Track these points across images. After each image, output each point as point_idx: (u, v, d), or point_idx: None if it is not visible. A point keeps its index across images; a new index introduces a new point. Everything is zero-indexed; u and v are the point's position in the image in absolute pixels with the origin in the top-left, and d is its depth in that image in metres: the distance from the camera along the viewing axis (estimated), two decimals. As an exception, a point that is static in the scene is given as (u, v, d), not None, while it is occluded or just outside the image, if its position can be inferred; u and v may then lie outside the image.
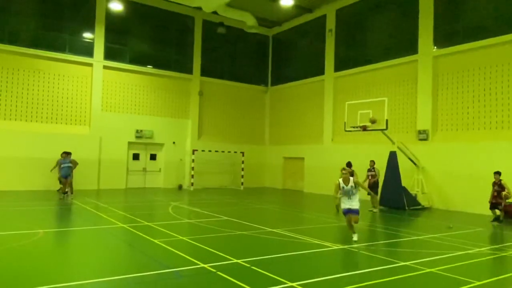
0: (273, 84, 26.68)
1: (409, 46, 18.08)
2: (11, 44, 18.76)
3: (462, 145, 15.71)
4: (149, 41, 22.77)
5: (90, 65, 20.63)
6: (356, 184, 9.04)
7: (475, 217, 13.79)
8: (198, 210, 13.72)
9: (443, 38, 17.01)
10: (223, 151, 23.82)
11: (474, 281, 6.10)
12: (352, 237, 8.93)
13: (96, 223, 10.77)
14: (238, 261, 6.89)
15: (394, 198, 15.29)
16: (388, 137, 15.45)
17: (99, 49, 20.80)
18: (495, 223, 12.32)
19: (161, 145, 22.81)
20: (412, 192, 16.08)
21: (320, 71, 22.72)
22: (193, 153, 22.60)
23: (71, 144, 18.62)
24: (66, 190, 15.80)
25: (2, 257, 7.05)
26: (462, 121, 16.22)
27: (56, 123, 19.75)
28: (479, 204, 13.92)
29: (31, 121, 19.16)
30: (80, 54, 20.38)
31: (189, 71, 23.74)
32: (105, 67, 20.95)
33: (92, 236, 9.17)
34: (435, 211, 15.53)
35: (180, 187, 22.54)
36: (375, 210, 14.41)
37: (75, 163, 16.35)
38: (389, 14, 19.65)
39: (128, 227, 10.00)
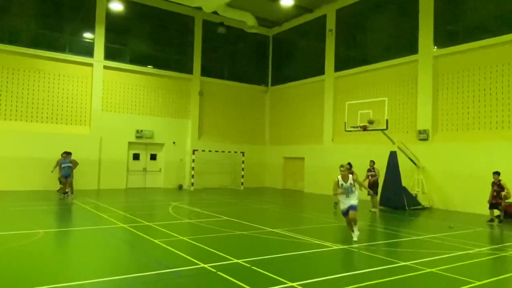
0: (273, 84, 26.68)
1: (409, 46, 18.08)
2: (11, 44, 18.77)
3: (462, 145, 15.71)
4: (149, 41, 22.77)
5: (90, 65, 20.63)
6: (355, 182, 9.04)
7: (475, 217, 13.79)
8: (198, 210, 13.72)
9: (443, 38, 17.02)
10: (223, 151, 23.83)
11: (474, 281, 6.10)
12: (352, 237, 8.93)
13: (96, 223, 10.77)
14: (238, 261, 6.89)
15: (394, 198, 15.29)
16: (388, 137, 15.46)
17: (99, 49, 20.81)
18: (494, 223, 12.32)
19: (161, 145, 22.81)
20: (412, 192, 16.08)
21: (320, 71, 22.71)
22: (193, 153, 22.61)
23: (71, 144, 18.61)
24: (66, 190, 15.81)
25: (2, 257, 7.05)
26: (462, 121, 16.22)
27: (56, 123, 19.75)
28: (479, 204, 13.91)
29: (31, 121, 19.16)
30: (80, 54, 20.39)
31: (189, 71, 23.74)
32: (105, 67, 20.96)
33: (92, 236, 9.18)
34: (435, 211, 15.54)
35: (180, 187, 22.54)
36: (375, 210, 14.42)
37: (75, 163, 16.36)
38: (389, 14, 19.65)
39: (128, 227, 10.01)
